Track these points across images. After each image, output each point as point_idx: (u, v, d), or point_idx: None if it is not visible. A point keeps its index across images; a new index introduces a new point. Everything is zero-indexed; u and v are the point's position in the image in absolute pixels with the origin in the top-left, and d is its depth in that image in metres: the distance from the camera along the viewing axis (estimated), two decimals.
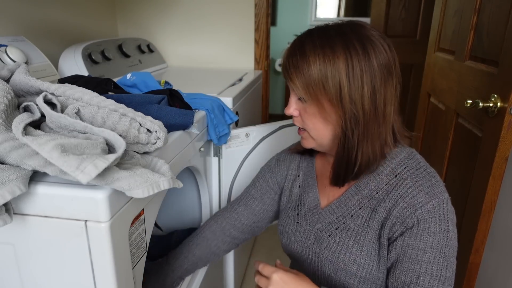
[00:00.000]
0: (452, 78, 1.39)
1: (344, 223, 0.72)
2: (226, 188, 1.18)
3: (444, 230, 0.63)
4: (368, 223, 0.69)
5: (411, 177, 0.66)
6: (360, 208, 0.70)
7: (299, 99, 0.69)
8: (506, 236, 1.04)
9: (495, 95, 1.03)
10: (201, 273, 1.07)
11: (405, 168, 0.68)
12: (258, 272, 0.70)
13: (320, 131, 0.69)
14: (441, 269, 0.63)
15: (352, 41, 0.62)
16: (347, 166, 0.68)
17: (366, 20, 3.00)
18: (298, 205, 0.82)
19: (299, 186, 0.84)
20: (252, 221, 0.93)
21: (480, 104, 1.08)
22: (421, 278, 0.64)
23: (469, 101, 1.12)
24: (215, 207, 1.19)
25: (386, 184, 0.68)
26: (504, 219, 1.05)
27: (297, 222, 0.80)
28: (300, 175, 0.84)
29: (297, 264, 0.83)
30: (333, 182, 0.72)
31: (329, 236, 0.73)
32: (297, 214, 0.81)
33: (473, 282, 1.20)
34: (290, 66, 0.66)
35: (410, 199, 0.64)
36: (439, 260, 0.63)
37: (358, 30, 0.64)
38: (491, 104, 1.04)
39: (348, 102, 0.63)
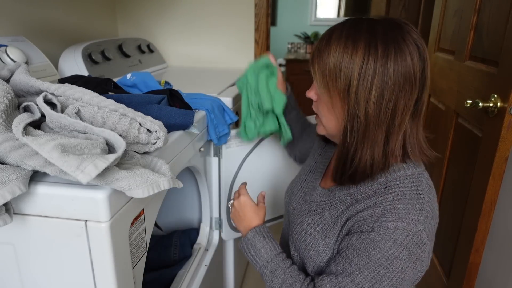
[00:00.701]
0: (452, 78, 1.39)
1: (322, 209, 0.73)
2: (226, 188, 1.18)
3: (391, 254, 0.59)
4: (338, 217, 0.69)
5: (397, 193, 0.63)
6: (340, 202, 0.71)
7: None
8: (506, 236, 1.04)
9: (495, 95, 1.03)
10: (201, 273, 1.07)
11: (399, 184, 0.65)
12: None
13: (329, 121, 0.70)
14: (365, 282, 0.61)
15: (376, 41, 0.60)
16: (344, 167, 0.67)
17: None
18: (310, 172, 0.84)
19: (320, 155, 0.86)
20: None
21: (480, 104, 1.08)
22: (343, 275, 0.63)
23: (469, 101, 1.12)
24: (215, 207, 1.19)
25: (373, 191, 0.66)
26: (504, 219, 1.05)
27: (300, 187, 0.83)
28: (324, 147, 0.87)
29: (285, 229, 0.88)
30: (334, 178, 0.72)
31: (307, 214, 0.75)
32: (305, 180, 0.84)
33: (473, 282, 1.20)
34: (315, 51, 0.67)
35: (380, 211, 0.62)
36: (368, 273, 0.61)
37: (390, 31, 0.61)
38: (491, 104, 1.04)
39: (353, 100, 0.62)
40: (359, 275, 0.61)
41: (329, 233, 0.70)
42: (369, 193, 0.67)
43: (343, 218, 0.68)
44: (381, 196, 0.64)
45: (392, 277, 0.60)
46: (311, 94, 0.72)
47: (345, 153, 0.67)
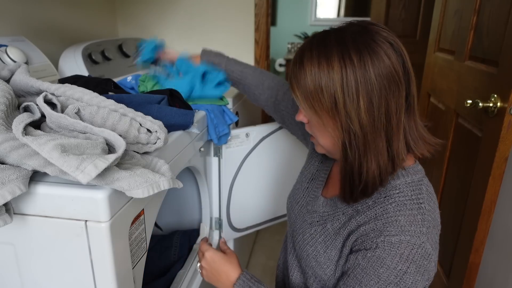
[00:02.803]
0: (452, 78, 1.39)
1: (325, 220, 0.72)
2: (226, 188, 1.18)
3: (400, 270, 0.59)
4: (340, 229, 0.68)
5: (397, 203, 0.62)
6: (342, 214, 0.70)
7: None
8: (506, 236, 1.04)
9: (495, 95, 1.03)
10: None
11: (399, 193, 0.64)
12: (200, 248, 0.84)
13: (325, 140, 0.67)
14: None
15: (348, 50, 0.58)
16: (352, 183, 0.65)
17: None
18: (312, 179, 0.82)
19: (321, 162, 0.84)
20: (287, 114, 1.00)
21: (480, 104, 1.08)
22: None
23: (469, 101, 1.12)
24: (215, 207, 1.19)
25: (373, 200, 0.65)
26: (504, 219, 1.05)
27: (303, 195, 0.82)
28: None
29: (288, 233, 0.86)
30: (341, 199, 0.70)
31: (309, 224, 0.75)
32: (307, 188, 0.82)
33: (473, 282, 1.20)
34: (292, 76, 0.66)
35: (381, 224, 0.61)
36: None
37: (359, 36, 0.59)
38: (491, 104, 1.04)
39: (344, 115, 0.60)
40: None
41: (331, 245, 0.69)
42: (369, 203, 0.66)
43: (345, 231, 0.67)
44: (381, 207, 0.63)
45: None
46: (300, 117, 0.70)
47: (349, 170, 0.64)
